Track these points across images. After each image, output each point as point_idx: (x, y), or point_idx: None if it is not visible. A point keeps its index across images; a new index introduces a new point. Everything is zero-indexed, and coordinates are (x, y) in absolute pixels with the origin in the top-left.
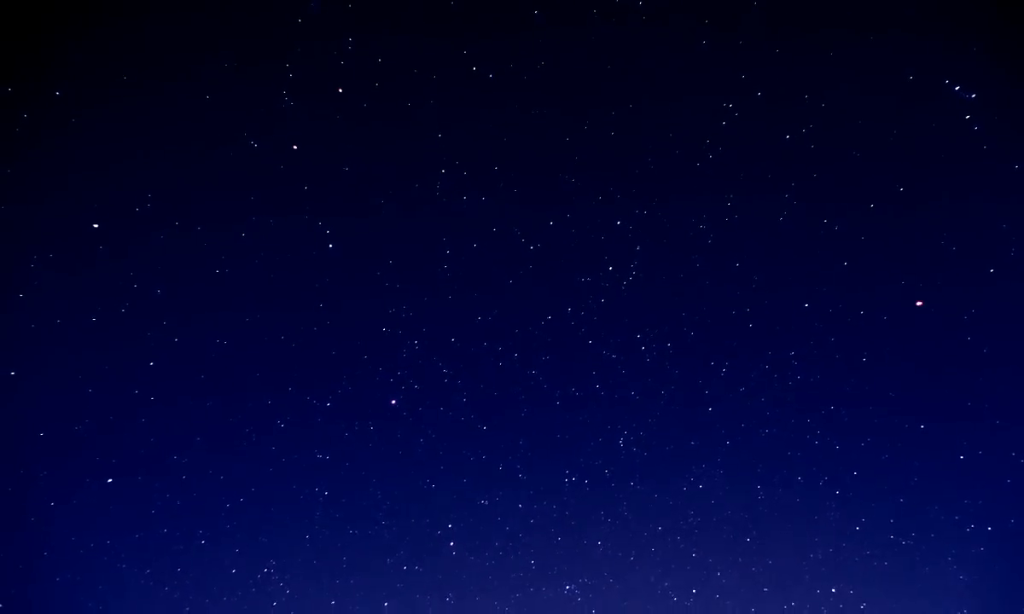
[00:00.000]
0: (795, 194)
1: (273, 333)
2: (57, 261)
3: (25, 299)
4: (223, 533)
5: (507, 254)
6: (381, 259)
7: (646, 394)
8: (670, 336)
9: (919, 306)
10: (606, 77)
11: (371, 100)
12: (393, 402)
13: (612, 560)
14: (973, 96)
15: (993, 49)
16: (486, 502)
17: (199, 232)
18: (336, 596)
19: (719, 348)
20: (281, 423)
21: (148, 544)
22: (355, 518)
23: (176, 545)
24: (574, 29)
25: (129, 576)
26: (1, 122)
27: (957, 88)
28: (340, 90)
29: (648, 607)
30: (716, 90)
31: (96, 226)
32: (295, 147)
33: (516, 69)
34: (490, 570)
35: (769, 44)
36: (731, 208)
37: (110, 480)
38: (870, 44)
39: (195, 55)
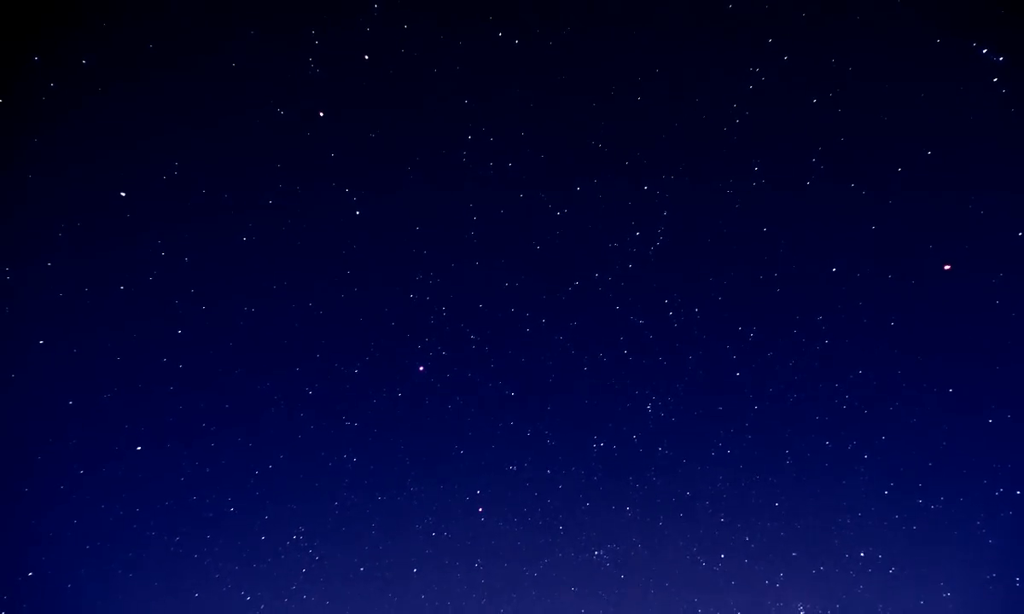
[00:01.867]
0: (822, 158)
1: (300, 301)
2: (84, 230)
3: (53, 268)
4: (252, 500)
5: (534, 220)
6: (408, 226)
7: (674, 359)
8: (698, 301)
9: (947, 270)
10: (633, 42)
11: (397, 67)
12: (421, 369)
13: (640, 525)
14: (1001, 59)
15: (1022, 10)
16: (514, 468)
17: (226, 200)
18: (365, 562)
19: (747, 313)
20: (309, 391)
21: (178, 512)
22: (383, 485)
23: (206, 512)
24: None
25: (159, 543)
26: (29, 93)
27: (985, 50)
28: (366, 57)
29: (677, 572)
30: (743, 54)
31: (123, 195)
32: (321, 114)
33: (542, 35)
34: (518, 536)
35: (796, 7)
36: (758, 173)
37: (139, 448)
38: (897, 6)
39: (222, 24)
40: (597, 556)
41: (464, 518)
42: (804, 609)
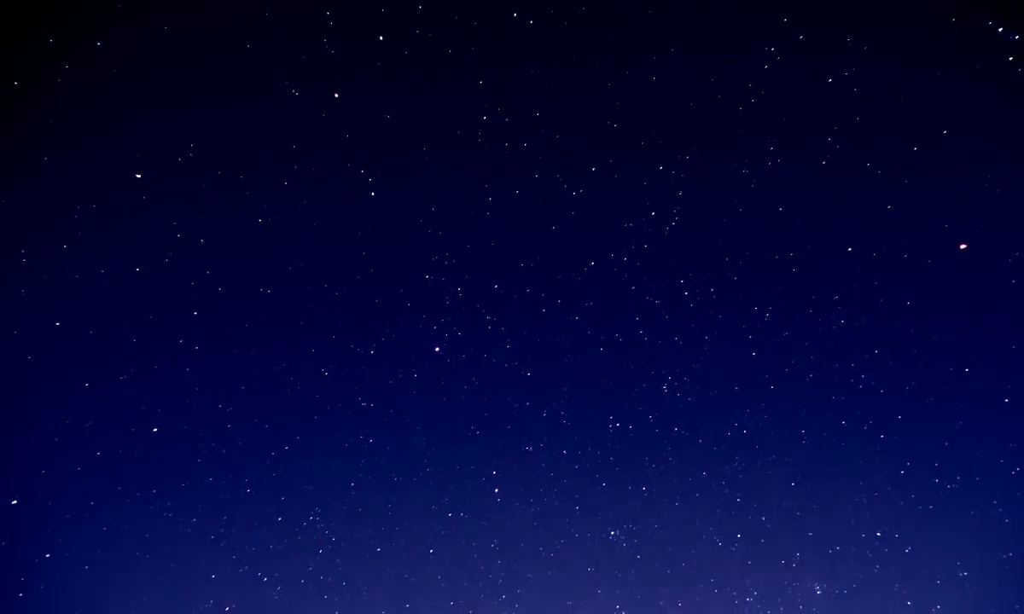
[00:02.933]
0: (837, 137)
1: (316, 282)
2: (101, 210)
3: (70, 250)
4: (269, 482)
5: (549, 200)
6: (423, 206)
7: (690, 339)
8: (713, 281)
9: (963, 249)
10: (648, 22)
11: (412, 47)
12: (437, 349)
13: (657, 505)
14: (1017, 37)
15: None
16: (530, 448)
17: (241, 181)
18: (381, 543)
19: (762, 293)
20: (325, 371)
21: (194, 493)
22: (400, 465)
23: (222, 494)
24: None
25: (176, 524)
26: (44, 72)
27: (1001, 29)
28: (381, 38)
29: (693, 552)
30: (758, 34)
31: (139, 176)
32: (336, 95)
33: (557, 15)
34: (535, 516)
35: None
36: (773, 152)
37: (155, 429)
38: None
39: (236, 4)
40: (613, 536)
41: (480, 498)
42: (821, 589)
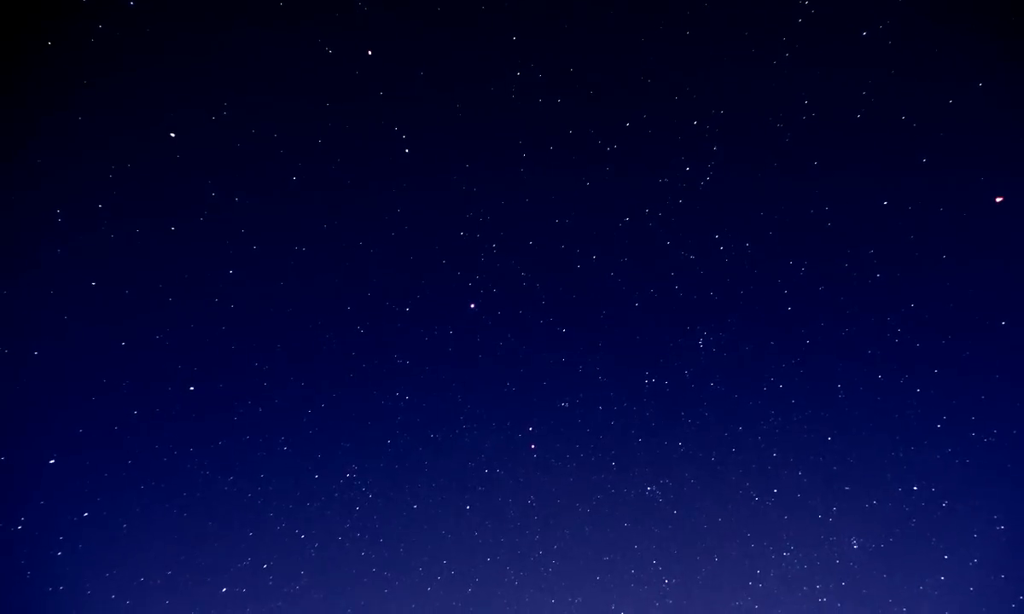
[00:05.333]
0: (872, 91)
1: (350, 238)
2: (136, 170)
3: (104, 209)
4: (305, 439)
5: (583, 155)
6: (457, 162)
7: (725, 294)
8: (748, 235)
9: (999, 202)
10: None
11: (445, 4)
12: (472, 306)
13: (693, 461)
14: None
15: None
16: (566, 404)
17: (275, 139)
18: (418, 500)
19: (797, 247)
20: (361, 329)
21: (230, 451)
22: (436, 422)
23: (259, 451)
24: None
25: (213, 483)
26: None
27: None
28: None
29: (730, 507)
30: None
31: (172, 136)
32: (369, 52)
33: None
34: (571, 472)
35: None
36: (808, 106)
37: (192, 388)
38: None
39: None
40: (650, 492)
41: (516, 455)
42: (857, 543)
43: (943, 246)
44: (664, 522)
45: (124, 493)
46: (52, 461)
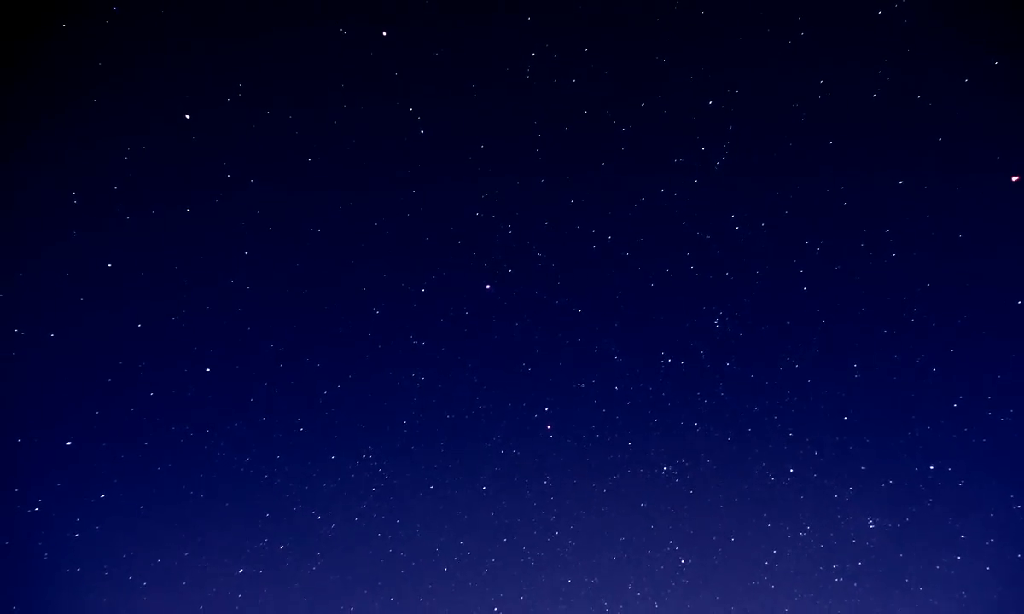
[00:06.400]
0: (888, 69)
1: (366, 219)
2: (151, 153)
3: (120, 192)
4: (321, 421)
5: (599, 136)
6: (473, 143)
7: (740, 274)
8: (764, 215)
9: (1015, 181)
10: None
11: None
12: (488, 287)
13: (709, 441)
14: None
15: None
16: (582, 385)
17: (291, 120)
18: (434, 481)
19: (814, 227)
20: (376, 310)
21: (247, 433)
22: (451, 403)
23: (275, 432)
24: None
25: (229, 464)
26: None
27: None
28: None
29: (745, 487)
30: None
31: (188, 117)
32: (384, 33)
33: None
34: (587, 452)
35: None
36: (823, 85)
37: (208, 369)
38: None
39: None
40: (666, 472)
41: (532, 435)
42: (874, 523)
43: (960, 226)
44: (680, 502)
45: (141, 475)
46: (69, 443)
